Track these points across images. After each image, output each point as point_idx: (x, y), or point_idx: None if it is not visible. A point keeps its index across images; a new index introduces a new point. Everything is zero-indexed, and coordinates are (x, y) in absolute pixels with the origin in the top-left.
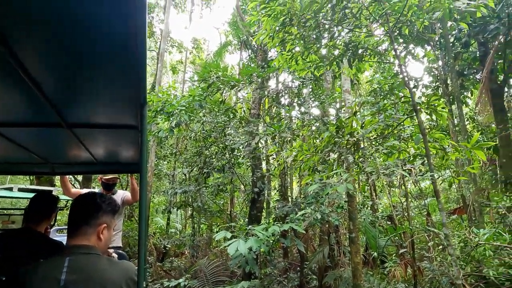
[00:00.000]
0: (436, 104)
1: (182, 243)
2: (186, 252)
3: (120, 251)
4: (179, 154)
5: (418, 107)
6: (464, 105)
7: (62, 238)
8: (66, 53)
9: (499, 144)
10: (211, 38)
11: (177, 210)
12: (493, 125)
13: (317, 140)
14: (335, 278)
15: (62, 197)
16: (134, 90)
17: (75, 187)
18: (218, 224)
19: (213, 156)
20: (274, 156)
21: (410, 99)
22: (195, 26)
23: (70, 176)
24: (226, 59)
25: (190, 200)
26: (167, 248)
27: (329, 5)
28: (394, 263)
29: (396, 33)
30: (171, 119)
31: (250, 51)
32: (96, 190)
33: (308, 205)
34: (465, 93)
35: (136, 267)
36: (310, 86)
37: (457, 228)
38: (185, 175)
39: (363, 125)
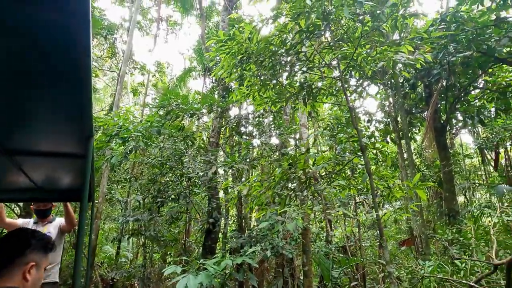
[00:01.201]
0: (381, 145)
1: (131, 274)
2: (136, 284)
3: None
4: (134, 179)
5: (365, 147)
6: (412, 141)
7: None
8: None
9: (443, 179)
10: (176, 63)
11: (127, 238)
12: (438, 161)
13: (273, 175)
14: None
15: None
16: (79, 121)
17: (15, 213)
18: (172, 254)
19: (169, 184)
20: (231, 187)
21: (358, 138)
22: (159, 50)
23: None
24: (190, 85)
25: (143, 228)
26: (114, 280)
27: (283, 49)
28: None
29: (347, 76)
30: (126, 144)
31: (213, 78)
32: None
33: (263, 238)
34: (413, 130)
35: None
36: (271, 116)
37: (406, 259)
38: (139, 202)
39: (315, 161)
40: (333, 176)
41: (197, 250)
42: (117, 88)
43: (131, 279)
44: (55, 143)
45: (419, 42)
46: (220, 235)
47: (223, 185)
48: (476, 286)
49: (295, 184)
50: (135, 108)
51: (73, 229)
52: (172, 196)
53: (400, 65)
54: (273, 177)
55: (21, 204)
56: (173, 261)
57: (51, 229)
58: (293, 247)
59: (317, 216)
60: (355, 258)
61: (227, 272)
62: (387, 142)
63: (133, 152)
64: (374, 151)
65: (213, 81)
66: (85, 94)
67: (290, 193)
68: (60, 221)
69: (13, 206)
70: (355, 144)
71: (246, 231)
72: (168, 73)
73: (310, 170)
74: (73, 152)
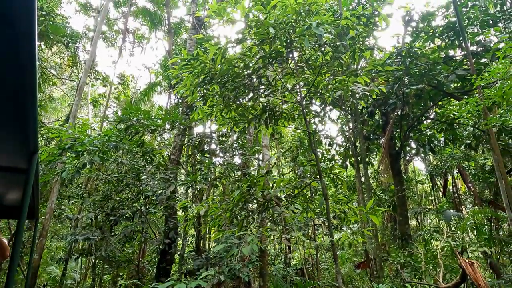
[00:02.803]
0: (338, 171)
1: None
2: None
3: None
4: (87, 195)
5: (323, 171)
6: (370, 165)
7: None
8: None
9: (397, 203)
10: (141, 77)
11: (75, 259)
12: (392, 186)
13: (231, 196)
14: None
15: None
16: (24, 136)
17: None
18: (124, 275)
19: (124, 202)
20: (187, 208)
21: (315, 163)
22: (124, 63)
23: None
24: (155, 99)
25: (93, 248)
26: None
27: (246, 72)
28: None
29: (308, 101)
30: (80, 158)
31: (178, 95)
32: None
33: (220, 260)
34: (371, 155)
35: None
36: (235, 136)
37: (361, 281)
38: (91, 219)
39: (274, 184)
40: (291, 199)
41: (151, 271)
42: (75, 99)
43: None
44: (1, 158)
45: (374, 74)
46: (177, 256)
47: (180, 205)
48: None
49: (254, 206)
50: (94, 121)
51: (4, 259)
52: (127, 215)
53: (358, 94)
54: (232, 199)
55: None
56: (124, 284)
57: None
58: (251, 270)
59: (276, 238)
60: (312, 282)
61: None
62: (346, 166)
63: (87, 167)
64: (332, 176)
65: (178, 97)
66: (30, 107)
67: (248, 215)
68: None
69: None
70: (315, 167)
71: (204, 253)
72: (132, 87)
73: (269, 193)
74: (16, 167)
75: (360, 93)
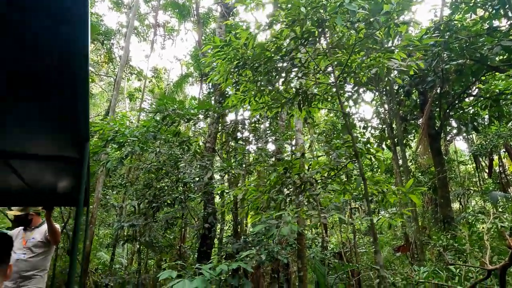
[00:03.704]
0: (375, 151)
1: (124, 281)
2: None
3: None
4: (130, 184)
5: (360, 152)
6: (407, 147)
7: None
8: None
9: (437, 185)
10: (172, 68)
11: (122, 244)
12: (433, 167)
13: (268, 179)
14: None
15: None
16: (76, 125)
17: (8, 218)
18: (167, 260)
19: (164, 189)
20: (227, 193)
21: (352, 144)
22: (156, 56)
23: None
24: (186, 90)
25: (137, 234)
26: (108, 286)
27: (278, 55)
28: None
29: (342, 82)
30: (122, 149)
31: (210, 84)
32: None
33: (258, 243)
34: (408, 136)
35: None
36: (267, 122)
37: (401, 265)
38: (134, 207)
39: (309, 166)
40: (328, 181)
41: (192, 255)
42: (113, 94)
43: (125, 286)
44: (51, 147)
45: (411, 49)
46: (216, 240)
47: (218, 190)
48: None
49: (291, 189)
50: (131, 114)
51: (56, 244)
52: (168, 201)
53: (394, 72)
54: (268, 182)
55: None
56: (169, 266)
57: (37, 235)
58: (288, 253)
59: (312, 222)
60: (351, 264)
61: (222, 277)
62: (383, 149)
63: (129, 157)
64: (369, 157)
65: (210, 87)
66: (82, 99)
67: (285, 197)
68: (44, 226)
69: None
70: (350, 150)
71: (242, 237)
72: (165, 79)
73: (305, 175)
74: (68, 156)
75: (396, 70)
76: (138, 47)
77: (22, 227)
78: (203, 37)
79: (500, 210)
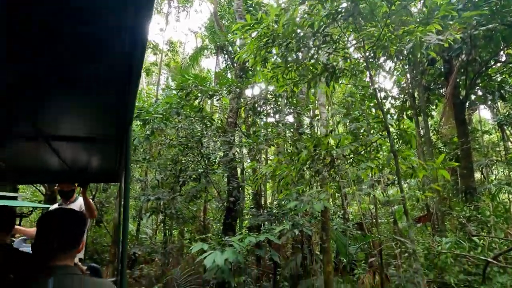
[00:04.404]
0: (406, 126)
1: (152, 250)
2: (157, 259)
3: (93, 265)
4: (152, 159)
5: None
6: (430, 117)
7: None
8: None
9: (460, 155)
10: (188, 41)
11: (148, 216)
12: (456, 137)
13: (293, 155)
14: (307, 286)
15: (26, 203)
16: (123, 113)
17: (41, 192)
18: (190, 230)
19: (189, 165)
20: (250, 168)
21: (383, 119)
22: (171, 29)
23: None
24: (202, 63)
25: (163, 206)
26: (136, 255)
27: (311, 32)
28: (363, 270)
29: (372, 56)
30: (146, 126)
31: (226, 56)
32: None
33: (284, 215)
34: (430, 106)
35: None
36: (286, 97)
37: (421, 235)
38: (158, 181)
39: (339, 143)
40: (357, 156)
41: (214, 227)
42: None
43: (152, 254)
44: (94, 129)
45: (450, 23)
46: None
47: (249, 167)
48: (495, 262)
49: (320, 166)
50: (149, 88)
51: (92, 218)
52: (194, 176)
53: (431, 45)
54: (297, 158)
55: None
56: (194, 237)
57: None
58: (312, 225)
59: (333, 194)
60: (372, 235)
61: (248, 249)
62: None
63: (154, 133)
64: (395, 131)
65: (226, 59)
66: (132, 92)
67: (314, 174)
68: (81, 202)
69: (39, 186)
70: (380, 125)
71: (263, 209)
72: (181, 52)
73: (334, 152)
74: (110, 137)
75: (435, 43)
76: (152, 20)
77: (58, 203)
78: (218, 8)
79: None
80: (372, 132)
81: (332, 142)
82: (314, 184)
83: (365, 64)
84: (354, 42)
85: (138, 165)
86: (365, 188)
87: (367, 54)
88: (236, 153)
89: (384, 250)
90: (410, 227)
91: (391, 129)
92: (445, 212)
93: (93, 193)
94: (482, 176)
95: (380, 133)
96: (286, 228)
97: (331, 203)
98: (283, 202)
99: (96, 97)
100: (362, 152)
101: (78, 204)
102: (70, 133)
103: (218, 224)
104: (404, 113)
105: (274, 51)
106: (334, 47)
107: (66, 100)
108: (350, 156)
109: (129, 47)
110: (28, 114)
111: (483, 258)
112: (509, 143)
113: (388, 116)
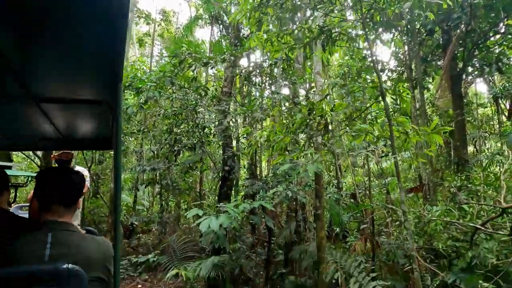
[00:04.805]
0: (401, 91)
1: (149, 220)
2: (154, 229)
3: (90, 228)
4: (147, 131)
5: (385, 93)
6: (426, 90)
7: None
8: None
9: (454, 127)
10: (181, 11)
11: (145, 187)
12: (451, 110)
13: (289, 121)
14: (300, 252)
15: (22, 173)
16: (110, 66)
17: (34, 162)
18: (187, 201)
19: (184, 134)
20: (245, 136)
21: (378, 84)
22: None
23: (30, 153)
24: (196, 33)
25: (158, 177)
26: (134, 225)
27: None
28: (355, 238)
29: (367, 20)
30: (140, 95)
31: (221, 26)
32: None
33: (279, 183)
34: (427, 79)
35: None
36: (281, 66)
37: (413, 205)
38: (153, 152)
39: (333, 107)
40: (351, 122)
41: (210, 197)
42: None
43: (149, 224)
44: (83, 90)
45: None
46: (233, 182)
47: (243, 132)
48: (482, 228)
49: (314, 131)
50: (142, 61)
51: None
52: (188, 146)
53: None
54: (292, 123)
55: (40, 155)
56: (194, 205)
57: None
58: (306, 193)
59: (328, 164)
60: (365, 204)
61: (243, 215)
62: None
63: (148, 103)
64: (390, 99)
65: (222, 28)
66: (120, 39)
67: (308, 139)
68: (80, 171)
69: (33, 157)
70: (375, 90)
71: (258, 178)
72: (174, 22)
73: (329, 117)
74: (100, 99)
75: (431, 1)
76: None
77: None
78: None
79: None
80: (368, 98)
81: (327, 108)
82: (308, 152)
83: (361, 27)
84: (351, 3)
85: (134, 137)
86: (360, 155)
87: (364, 16)
88: (230, 121)
89: (376, 219)
90: (401, 189)
91: (388, 99)
92: (437, 183)
93: (89, 165)
94: (475, 149)
95: (375, 98)
96: (279, 190)
97: (326, 173)
98: (277, 171)
99: (82, 55)
100: (356, 118)
101: None
102: (59, 94)
103: (214, 195)
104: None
105: (269, 12)
106: (330, 8)
107: (53, 59)
108: (345, 122)
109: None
110: (16, 74)
111: (472, 225)
112: (503, 117)
113: (384, 86)
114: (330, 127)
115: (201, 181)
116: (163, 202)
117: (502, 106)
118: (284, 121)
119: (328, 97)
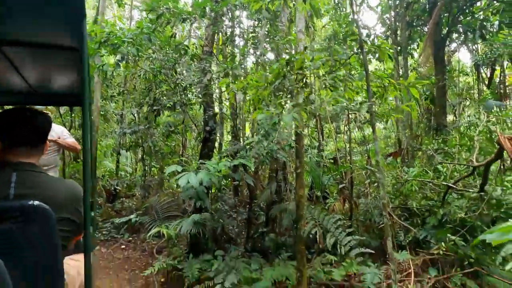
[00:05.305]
0: (381, 43)
1: (132, 183)
2: (137, 194)
3: None
4: (128, 93)
5: (364, 45)
6: (410, 56)
7: None
8: None
9: (436, 94)
10: None
11: (126, 151)
12: (433, 78)
13: (266, 73)
14: (280, 210)
15: None
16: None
17: None
18: (170, 166)
19: (163, 94)
20: (225, 90)
21: (358, 37)
22: None
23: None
24: None
25: (140, 141)
26: (117, 190)
27: None
28: (334, 199)
29: None
30: (117, 52)
31: None
32: None
33: (258, 143)
34: (412, 45)
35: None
36: (266, 28)
37: (391, 169)
38: (134, 115)
39: (313, 59)
40: (332, 76)
41: (194, 163)
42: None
43: (133, 189)
44: (46, 31)
45: None
46: (216, 144)
47: (220, 83)
48: (454, 186)
49: (292, 85)
50: (120, 18)
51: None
52: (168, 105)
53: None
54: (269, 73)
55: None
56: (173, 161)
57: None
58: (287, 153)
59: (311, 129)
60: (344, 165)
61: (225, 173)
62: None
63: (125, 60)
64: (373, 50)
65: None
66: None
67: (286, 93)
68: (59, 131)
69: None
70: (353, 43)
71: (241, 141)
72: None
73: (308, 71)
74: (65, 44)
75: None
76: None
77: None
78: None
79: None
80: (348, 50)
81: (306, 60)
82: (286, 103)
83: None
84: None
85: (114, 101)
86: (342, 120)
87: None
88: (211, 79)
89: (357, 183)
90: (375, 139)
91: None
92: (416, 147)
93: (68, 129)
94: (455, 117)
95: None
96: (258, 139)
97: (308, 138)
98: (258, 128)
99: None
100: (335, 71)
101: (52, 132)
102: (20, 37)
103: (197, 159)
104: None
105: None
106: None
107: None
108: (325, 76)
109: None
110: None
111: (445, 183)
112: (484, 86)
113: (370, 56)
114: (309, 79)
115: (184, 145)
116: (146, 167)
117: (484, 75)
118: (262, 72)
119: (307, 48)
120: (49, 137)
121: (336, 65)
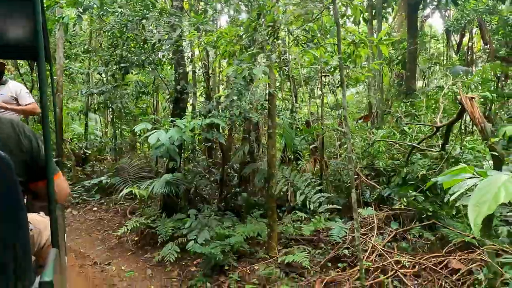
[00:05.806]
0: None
1: (103, 146)
2: (108, 157)
3: None
4: (93, 51)
5: None
6: (385, 19)
7: None
8: None
9: (407, 58)
10: None
11: (94, 113)
12: (405, 43)
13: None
14: (252, 169)
15: None
16: None
17: None
18: (142, 129)
19: (131, 51)
20: (197, 47)
21: None
22: None
23: None
24: None
25: (108, 102)
26: (87, 153)
27: None
28: (306, 161)
29: None
30: (77, 3)
31: None
32: None
33: (230, 103)
34: (387, 10)
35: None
36: None
37: (362, 132)
38: (100, 74)
39: (285, 11)
40: (304, 33)
41: (165, 122)
42: None
43: (103, 152)
44: None
45: None
46: (189, 105)
47: (188, 36)
48: (418, 146)
49: (262, 35)
50: None
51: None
52: (136, 63)
53: None
54: (240, 25)
55: None
56: (144, 119)
57: (4, 90)
58: (260, 113)
59: (285, 93)
60: (316, 127)
61: (197, 132)
62: (359, 22)
63: (88, 13)
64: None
65: None
66: None
67: (258, 47)
68: (16, 87)
69: None
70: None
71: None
72: None
73: (278, 22)
74: None
75: None
76: None
77: None
78: None
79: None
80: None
81: (278, 12)
82: (259, 61)
83: None
84: None
85: (79, 60)
86: (316, 84)
87: None
88: (181, 35)
89: (328, 145)
90: (344, 96)
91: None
92: (386, 111)
93: (30, 90)
94: (424, 83)
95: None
96: (227, 92)
97: (282, 102)
98: (230, 87)
99: None
100: (307, 24)
101: (10, 86)
102: None
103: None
104: (362, 15)
105: None
106: None
107: None
108: (297, 34)
109: None
110: None
111: (410, 144)
112: (453, 52)
113: (347, 20)
114: (280, 32)
115: (156, 107)
116: (117, 130)
117: (454, 42)
118: (232, 28)
119: (280, 2)
120: (7, 94)
121: (308, 19)
